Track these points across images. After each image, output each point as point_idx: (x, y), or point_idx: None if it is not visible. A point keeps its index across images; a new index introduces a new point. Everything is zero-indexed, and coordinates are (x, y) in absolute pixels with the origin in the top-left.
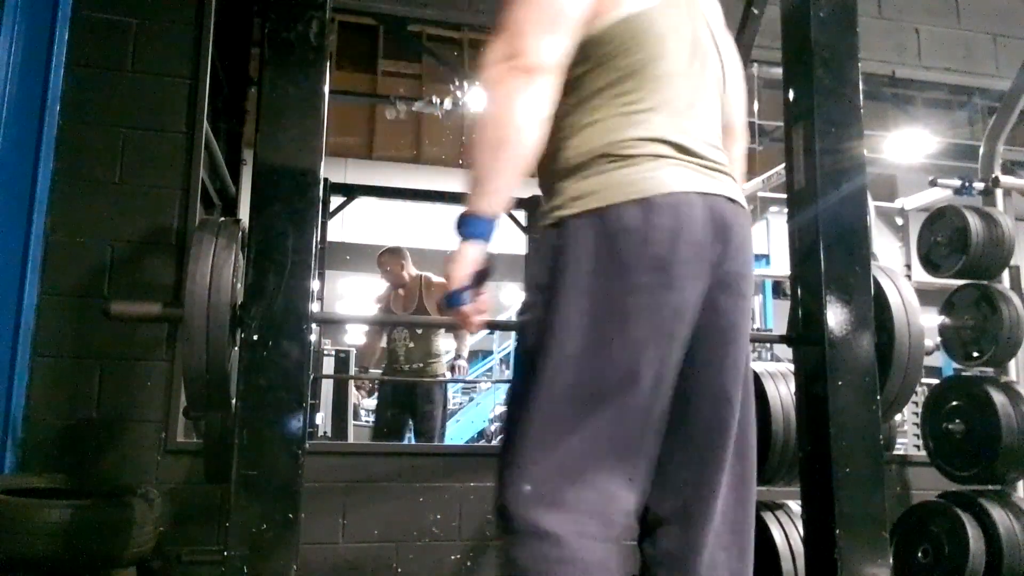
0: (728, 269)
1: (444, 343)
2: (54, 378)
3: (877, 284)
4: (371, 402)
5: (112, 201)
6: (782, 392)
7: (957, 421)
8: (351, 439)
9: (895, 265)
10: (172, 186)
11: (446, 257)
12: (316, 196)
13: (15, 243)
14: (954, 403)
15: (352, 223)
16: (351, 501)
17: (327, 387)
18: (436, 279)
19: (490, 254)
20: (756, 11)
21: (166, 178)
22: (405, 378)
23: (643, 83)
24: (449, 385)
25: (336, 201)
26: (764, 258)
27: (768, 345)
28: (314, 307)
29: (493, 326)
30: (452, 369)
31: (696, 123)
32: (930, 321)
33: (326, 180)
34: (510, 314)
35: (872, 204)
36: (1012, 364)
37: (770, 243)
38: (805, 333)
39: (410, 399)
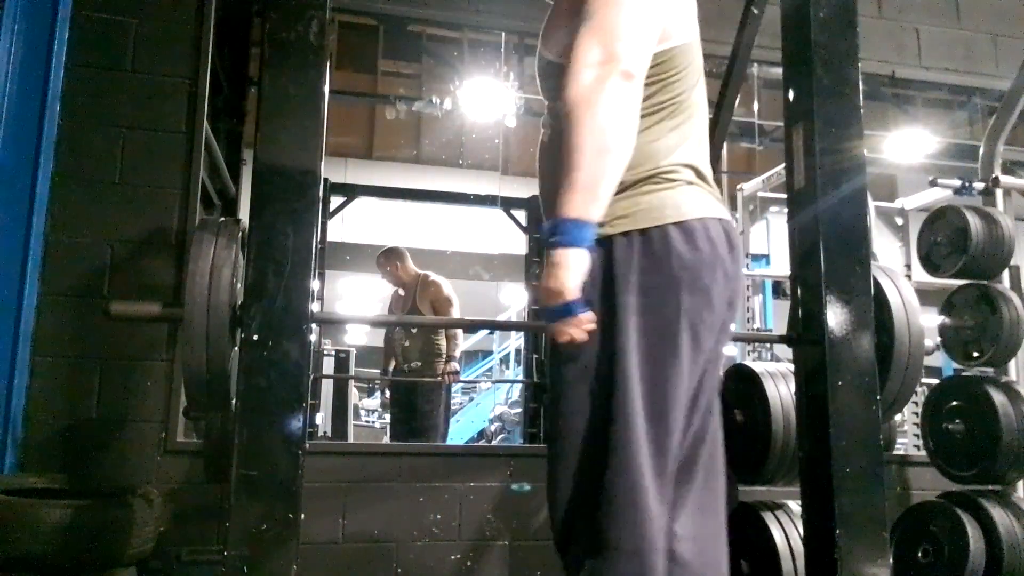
0: (736, 287)
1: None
2: (54, 378)
3: (877, 284)
4: (371, 402)
5: (112, 201)
6: (782, 392)
7: (957, 421)
8: (351, 439)
9: (895, 265)
10: (172, 186)
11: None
12: (316, 196)
13: (15, 243)
14: (954, 403)
15: (352, 223)
16: (351, 501)
17: (327, 387)
18: (433, 277)
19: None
20: (756, 11)
21: (166, 178)
22: (403, 378)
23: (682, 112)
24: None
25: (336, 201)
26: (764, 258)
27: (768, 345)
28: (314, 307)
29: (493, 326)
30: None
31: (705, 152)
32: (930, 321)
33: (326, 180)
34: (510, 314)
35: (872, 204)
36: (1012, 364)
37: (770, 243)
38: (805, 333)
39: (408, 398)
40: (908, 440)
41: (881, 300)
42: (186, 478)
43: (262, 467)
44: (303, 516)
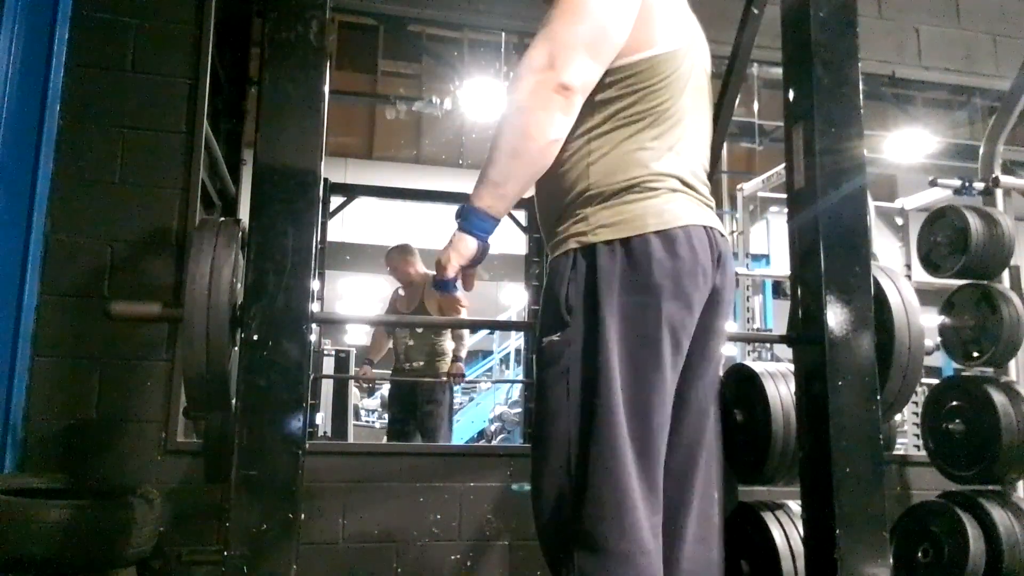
0: (724, 297)
1: (450, 342)
2: (54, 378)
3: (877, 284)
4: (371, 402)
5: (112, 201)
6: (782, 392)
7: (957, 421)
8: (351, 439)
9: (895, 265)
10: (172, 186)
11: (447, 244)
12: (316, 196)
13: (15, 243)
14: (954, 403)
15: (352, 223)
16: (351, 501)
17: (327, 387)
18: None
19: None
20: (756, 11)
21: (166, 178)
22: (406, 377)
23: (665, 120)
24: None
25: (336, 201)
26: (764, 258)
27: (768, 345)
28: (314, 307)
29: (493, 326)
30: (449, 373)
31: (695, 161)
32: (930, 321)
33: (326, 180)
34: (510, 314)
35: (872, 204)
36: (1012, 364)
37: (770, 243)
38: (805, 333)
39: (411, 398)
40: (908, 440)
41: (881, 300)
42: (186, 478)
43: (262, 467)
44: (303, 516)
